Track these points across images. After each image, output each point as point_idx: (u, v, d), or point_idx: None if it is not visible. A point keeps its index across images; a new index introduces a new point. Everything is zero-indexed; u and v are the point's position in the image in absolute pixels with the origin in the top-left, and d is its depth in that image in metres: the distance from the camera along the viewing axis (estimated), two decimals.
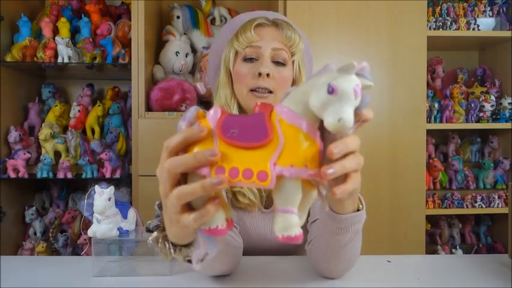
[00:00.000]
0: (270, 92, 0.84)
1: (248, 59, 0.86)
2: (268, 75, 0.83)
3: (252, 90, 0.85)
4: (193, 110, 0.45)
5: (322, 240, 0.65)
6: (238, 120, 0.42)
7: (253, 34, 0.85)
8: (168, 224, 0.48)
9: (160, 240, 0.52)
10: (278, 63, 0.86)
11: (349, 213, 0.58)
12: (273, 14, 0.93)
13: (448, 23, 1.82)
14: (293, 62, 0.88)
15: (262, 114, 0.41)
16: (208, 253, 0.48)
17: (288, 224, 0.40)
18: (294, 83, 0.89)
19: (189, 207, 0.44)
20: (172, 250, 0.51)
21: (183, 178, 0.45)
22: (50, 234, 1.79)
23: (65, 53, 1.69)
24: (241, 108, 0.90)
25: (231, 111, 0.88)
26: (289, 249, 0.89)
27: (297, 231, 0.40)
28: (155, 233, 0.52)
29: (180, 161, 0.42)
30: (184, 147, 0.43)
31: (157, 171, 0.45)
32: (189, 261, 0.52)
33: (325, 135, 0.42)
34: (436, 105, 1.85)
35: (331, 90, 0.37)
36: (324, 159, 0.42)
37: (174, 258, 0.52)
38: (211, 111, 0.43)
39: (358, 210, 0.60)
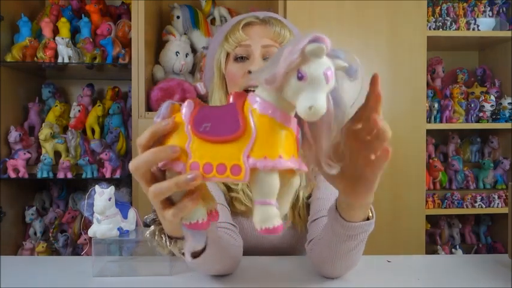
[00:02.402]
0: None
1: (239, 58, 0.86)
2: None
3: (244, 91, 0.84)
4: (167, 105, 0.45)
5: (327, 244, 0.64)
6: (210, 113, 0.41)
7: (241, 33, 0.85)
8: (161, 218, 0.49)
9: (157, 233, 0.53)
10: None
11: (360, 221, 0.57)
12: (265, 13, 0.92)
13: (448, 23, 1.82)
14: None
15: (234, 104, 0.40)
16: (195, 245, 0.49)
17: (267, 215, 0.39)
18: None
19: (170, 202, 0.45)
20: (168, 243, 0.52)
21: (161, 173, 0.45)
22: (50, 234, 1.78)
23: (65, 53, 1.69)
24: None
25: None
26: (288, 249, 0.89)
27: (276, 223, 0.39)
28: (152, 227, 0.53)
29: (141, 160, 0.43)
30: (161, 143, 0.44)
31: None
32: (184, 253, 0.53)
33: (304, 121, 0.41)
34: (436, 105, 1.85)
35: (300, 76, 0.36)
36: (304, 143, 0.42)
37: (171, 250, 0.53)
38: (185, 105, 0.43)
39: (368, 218, 0.59)
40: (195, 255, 0.61)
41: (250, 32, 0.86)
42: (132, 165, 0.43)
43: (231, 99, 0.42)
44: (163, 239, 0.52)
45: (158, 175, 0.45)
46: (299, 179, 0.42)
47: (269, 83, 0.37)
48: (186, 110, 0.42)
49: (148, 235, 0.53)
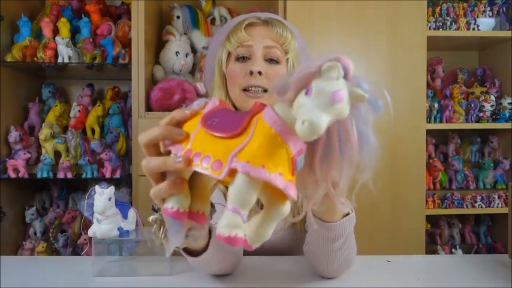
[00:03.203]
0: (265, 90, 0.84)
1: (240, 58, 0.86)
2: (260, 73, 0.83)
3: (244, 90, 0.85)
4: (199, 101, 0.46)
5: (315, 247, 0.66)
6: (225, 113, 0.42)
7: (244, 34, 0.85)
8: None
9: (157, 222, 0.53)
10: (271, 60, 0.86)
11: (340, 219, 0.59)
12: (267, 14, 0.93)
13: (448, 23, 1.82)
14: (287, 60, 0.88)
15: (249, 111, 0.40)
16: (173, 240, 0.47)
17: (230, 223, 0.36)
18: None
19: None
20: (163, 235, 0.52)
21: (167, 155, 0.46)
22: (50, 234, 1.78)
23: (65, 53, 1.69)
24: (236, 109, 0.90)
25: None
26: (287, 249, 0.89)
27: (236, 233, 0.37)
28: (157, 214, 0.54)
29: (149, 132, 0.45)
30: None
31: None
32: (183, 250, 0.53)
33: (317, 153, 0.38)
34: (436, 105, 1.85)
35: (307, 91, 0.33)
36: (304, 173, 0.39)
37: (162, 243, 0.53)
38: (211, 100, 0.44)
39: (347, 213, 0.60)
40: (197, 254, 0.61)
41: (253, 33, 0.86)
42: (140, 135, 0.46)
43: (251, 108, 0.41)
44: (161, 230, 0.53)
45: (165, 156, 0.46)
46: (289, 209, 0.39)
47: (279, 94, 0.36)
48: (209, 104, 0.44)
49: (151, 220, 0.54)
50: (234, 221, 0.36)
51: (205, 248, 0.61)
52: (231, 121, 0.40)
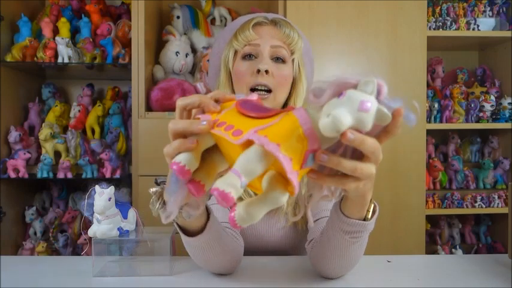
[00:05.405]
0: (269, 91, 0.84)
1: (247, 57, 0.86)
2: (267, 71, 0.83)
3: (251, 90, 0.85)
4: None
5: (328, 237, 0.64)
6: (260, 105, 0.46)
7: (251, 32, 0.85)
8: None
9: (156, 194, 0.56)
10: (277, 59, 0.86)
11: (358, 219, 0.58)
12: (273, 15, 0.93)
13: (448, 23, 1.82)
14: (293, 60, 0.88)
15: (282, 109, 0.43)
16: (169, 205, 0.49)
17: (229, 181, 0.37)
18: (294, 82, 0.89)
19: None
20: (159, 205, 0.55)
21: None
22: (50, 234, 1.79)
23: (65, 53, 1.69)
24: None
25: None
26: (288, 249, 0.89)
27: (230, 191, 0.37)
28: (158, 188, 0.56)
29: (188, 97, 0.49)
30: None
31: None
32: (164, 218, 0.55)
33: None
34: (436, 105, 1.85)
35: (339, 96, 0.37)
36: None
37: (158, 214, 0.55)
38: (250, 95, 0.49)
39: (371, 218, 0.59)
40: (192, 234, 0.62)
41: (260, 32, 0.86)
42: (179, 99, 0.50)
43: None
44: (159, 201, 0.55)
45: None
46: (286, 200, 0.40)
47: (315, 96, 0.39)
48: (248, 97, 0.49)
49: (151, 192, 0.56)
50: (232, 181, 0.37)
51: (201, 230, 0.62)
52: (263, 109, 0.43)
